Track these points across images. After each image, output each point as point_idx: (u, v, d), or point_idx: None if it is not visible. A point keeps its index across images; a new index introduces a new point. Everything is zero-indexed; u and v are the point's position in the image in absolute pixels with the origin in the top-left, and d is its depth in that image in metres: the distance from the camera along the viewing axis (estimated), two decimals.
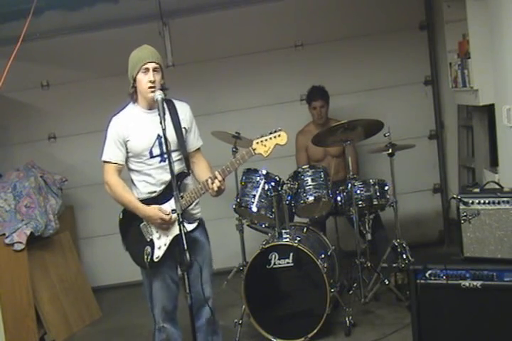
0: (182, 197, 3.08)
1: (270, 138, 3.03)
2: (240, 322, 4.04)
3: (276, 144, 3.04)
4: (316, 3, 5.37)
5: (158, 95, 3.01)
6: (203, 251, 3.28)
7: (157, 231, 3.17)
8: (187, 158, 3.22)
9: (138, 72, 3.09)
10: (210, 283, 3.33)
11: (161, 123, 2.90)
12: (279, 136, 3.04)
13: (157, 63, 3.11)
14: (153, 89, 3.07)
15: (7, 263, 4.39)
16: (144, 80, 3.08)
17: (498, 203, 3.10)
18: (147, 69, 3.08)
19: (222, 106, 5.49)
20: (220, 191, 3.10)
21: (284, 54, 5.45)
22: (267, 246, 3.92)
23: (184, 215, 3.10)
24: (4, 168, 5.18)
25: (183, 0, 5.40)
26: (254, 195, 4.14)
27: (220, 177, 3.06)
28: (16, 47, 3.21)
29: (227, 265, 4.63)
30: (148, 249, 3.17)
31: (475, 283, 3.12)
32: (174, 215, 3.06)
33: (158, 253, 3.16)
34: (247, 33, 5.43)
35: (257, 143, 3.04)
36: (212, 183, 3.06)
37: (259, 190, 4.15)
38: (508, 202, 3.08)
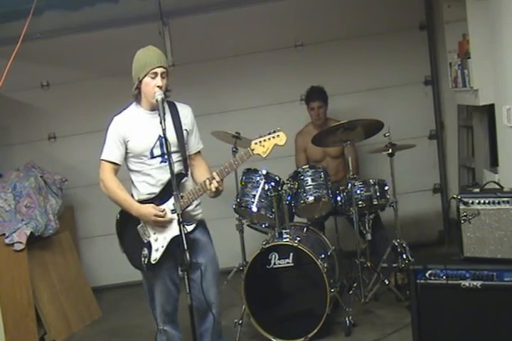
0: (182, 197, 3.08)
1: (269, 139, 3.03)
2: (240, 322, 4.05)
3: (275, 145, 3.03)
4: (316, 3, 5.37)
5: (158, 95, 3.00)
6: (205, 252, 3.26)
7: (154, 233, 3.16)
8: (186, 160, 3.22)
9: (145, 76, 3.07)
10: (215, 286, 3.31)
11: (160, 123, 2.90)
12: (277, 136, 3.03)
13: (165, 67, 3.10)
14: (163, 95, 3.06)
15: (7, 263, 4.38)
16: (151, 84, 3.06)
17: (498, 203, 3.10)
18: (155, 74, 3.06)
19: (222, 106, 5.49)
20: (217, 192, 3.09)
21: (284, 54, 5.45)
22: (267, 246, 3.92)
23: (183, 216, 3.10)
24: (4, 168, 5.18)
25: (183, 0, 5.40)
26: (254, 195, 4.15)
27: (217, 178, 3.05)
28: (16, 47, 3.21)
29: (227, 265, 4.62)
30: (146, 251, 3.15)
31: (475, 283, 3.12)
32: (171, 215, 3.06)
33: (156, 255, 3.14)
34: (247, 33, 5.43)
35: (256, 143, 3.04)
36: (210, 184, 3.05)
37: (259, 190, 4.16)
38: (508, 202, 3.08)
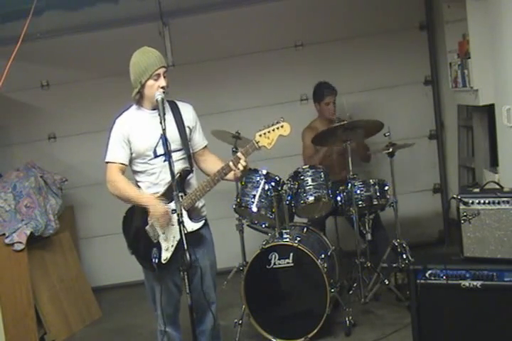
0: (184, 195, 3.07)
1: (273, 130, 3.02)
2: (240, 322, 4.04)
3: (280, 135, 3.01)
4: (316, 3, 5.37)
5: (158, 95, 3.00)
6: (208, 253, 3.26)
7: (163, 233, 3.13)
8: (190, 157, 3.21)
9: (148, 78, 3.05)
10: (213, 288, 3.32)
11: (160, 123, 2.88)
12: (281, 127, 3.02)
13: (165, 67, 3.10)
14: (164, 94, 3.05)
15: (7, 263, 4.38)
16: (155, 86, 3.05)
17: (498, 203, 3.10)
18: (158, 76, 3.05)
19: (222, 106, 5.49)
20: (245, 170, 3.06)
21: (284, 54, 5.45)
22: (267, 246, 3.92)
23: (192, 213, 3.11)
24: (4, 168, 5.18)
25: (183, 0, 5.41)
26: (254, 195, 4.14)
27: (244, 158, 3.02)
28: (16, 47, 3.21)
29: (227, 265, 4.62)
30: (155, 251, 3.13)
31: (475, 283, 3.12)
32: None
33: (166, 254, 3.11)
34: (247, 33, 5.43)
35: (260, 135, 3.02)
36: (237, 164, 3.01)
37: (259, 190, 4.15)
38: (508, 202, 3.08)
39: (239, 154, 3.05)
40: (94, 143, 4.98)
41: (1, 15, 4.76)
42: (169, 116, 3.14)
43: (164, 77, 3.08)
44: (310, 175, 4.23)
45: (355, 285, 4.25)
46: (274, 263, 3.91)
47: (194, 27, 5.40)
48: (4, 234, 4.41)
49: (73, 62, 5.45)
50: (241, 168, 3.03)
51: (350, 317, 3.98)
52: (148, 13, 5.33)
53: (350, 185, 4.21)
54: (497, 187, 3.28)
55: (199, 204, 3.22)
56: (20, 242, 4.38)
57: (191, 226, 3.05)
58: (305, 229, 4.26)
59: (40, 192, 4.72)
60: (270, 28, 5.40)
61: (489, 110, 4.28)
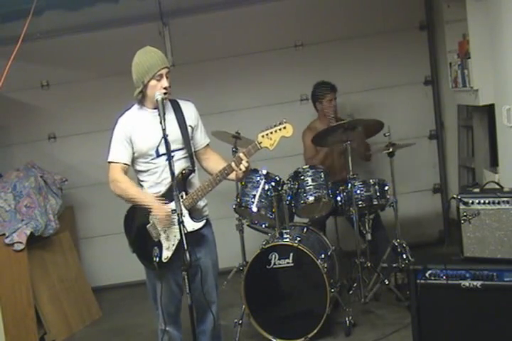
0: (185, 194, 3.07)
1: (275, 131, 3.00)
2: (240, 322, 4.04)
3: (282, 136, 3.00)
4: (316, 3, 5.37)
5: (158, 95, 3.00)
6: (209, 252, 3.26)
7: (165, 232, 3.13)
8: (192, 156, 3.21)
9: (151, 79, 3.05)
10: (215, 287, 3.32)
11: (160, 123, 2.89)
12: (284, 128, 3.01)
13: (168, 67, 3.09)
14: (166, 95, 3.06)
15: (7, 263, 4.38)
16: (157, 87, 3.05)
17: (498, 203, 3.10)
18: (161, 76, 3.05)
19: (222, 106, 5.49)
20: (247, 171, 3.05)
21: (284, 54, 5.45)
22: (267, 246, 3.92)
23: (194, 213, 3.11)
24: (4, 168, 5.18)
25: (183, 0, 5.41)
26: (254, 195, 4.15)
27: (245, 159, 3.01)
28: (16, 47, 3.21)
29: (227, 265, 4.61)
30: (156, 250, 3.13)
31: (475, 283, 3.12)
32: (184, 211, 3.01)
33: (167, 253, 3.11)
34: (247, 33, 5.43)
35: (263, 136, 3.00)
36: (239, 164, 3.00)
37: (259, 190, 4.16)
38: (508, 202, 3.08)
39: (241, 155, 3.04)
40: (94, 143, 4.99)
41: (1, 15, 4.76)
42: (171, 116, 3.15)
43: (167, 77, 3.08)
44: (310, 175, 4.22)
45: (355, 285, 4.25)
46: (274, 263, 3.91)
47: (194, 27, 5.40)
48: (4, 234, 4.41)
49: (73, 62, 5.45)
50: (243, 168, 3.03)
51: (350, 317, 3.98)
52: (148, 13, 5.34)
53: (350, 185, 4.21)
54: (497, 187, 3.28)
55: (201, 203, 3.22)
56: (20, 242, 4.38)
57: (192, 225, 3.05)
58: (305, 229, 4.26)
59: (40, 192, 4.72)
60: (270, 28, 5.40)
61: (489, 110, 4.28)
